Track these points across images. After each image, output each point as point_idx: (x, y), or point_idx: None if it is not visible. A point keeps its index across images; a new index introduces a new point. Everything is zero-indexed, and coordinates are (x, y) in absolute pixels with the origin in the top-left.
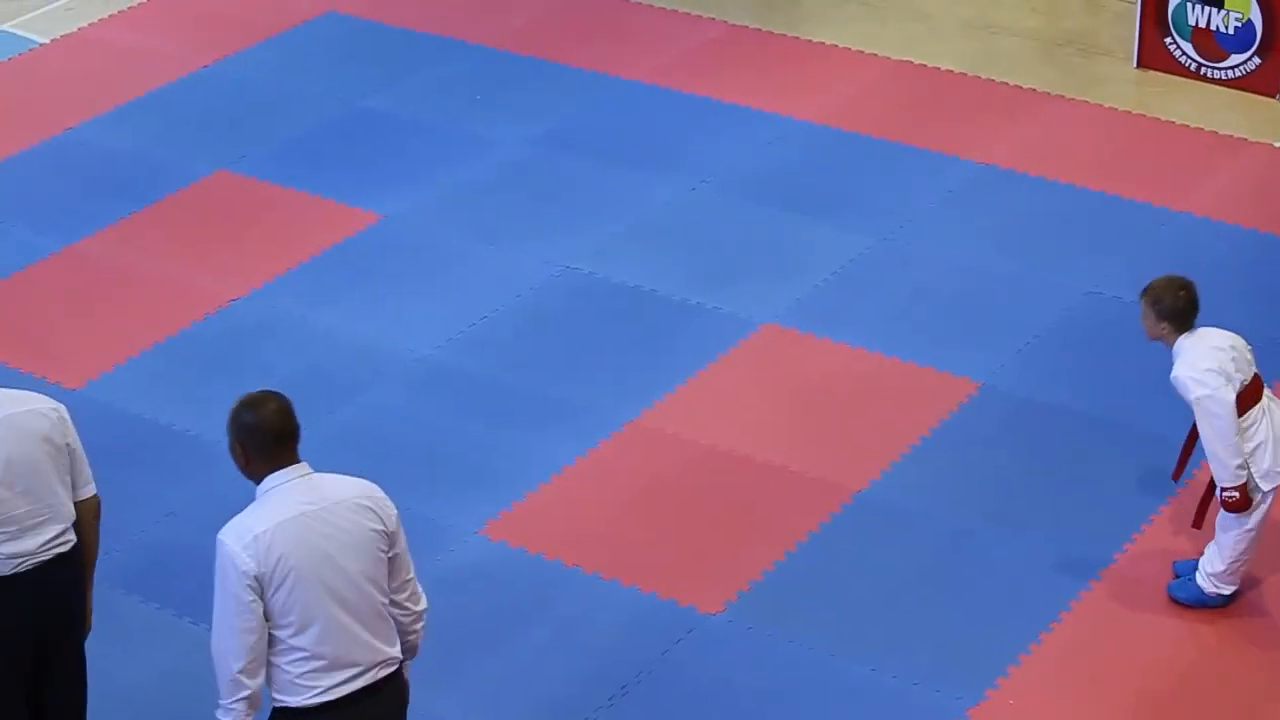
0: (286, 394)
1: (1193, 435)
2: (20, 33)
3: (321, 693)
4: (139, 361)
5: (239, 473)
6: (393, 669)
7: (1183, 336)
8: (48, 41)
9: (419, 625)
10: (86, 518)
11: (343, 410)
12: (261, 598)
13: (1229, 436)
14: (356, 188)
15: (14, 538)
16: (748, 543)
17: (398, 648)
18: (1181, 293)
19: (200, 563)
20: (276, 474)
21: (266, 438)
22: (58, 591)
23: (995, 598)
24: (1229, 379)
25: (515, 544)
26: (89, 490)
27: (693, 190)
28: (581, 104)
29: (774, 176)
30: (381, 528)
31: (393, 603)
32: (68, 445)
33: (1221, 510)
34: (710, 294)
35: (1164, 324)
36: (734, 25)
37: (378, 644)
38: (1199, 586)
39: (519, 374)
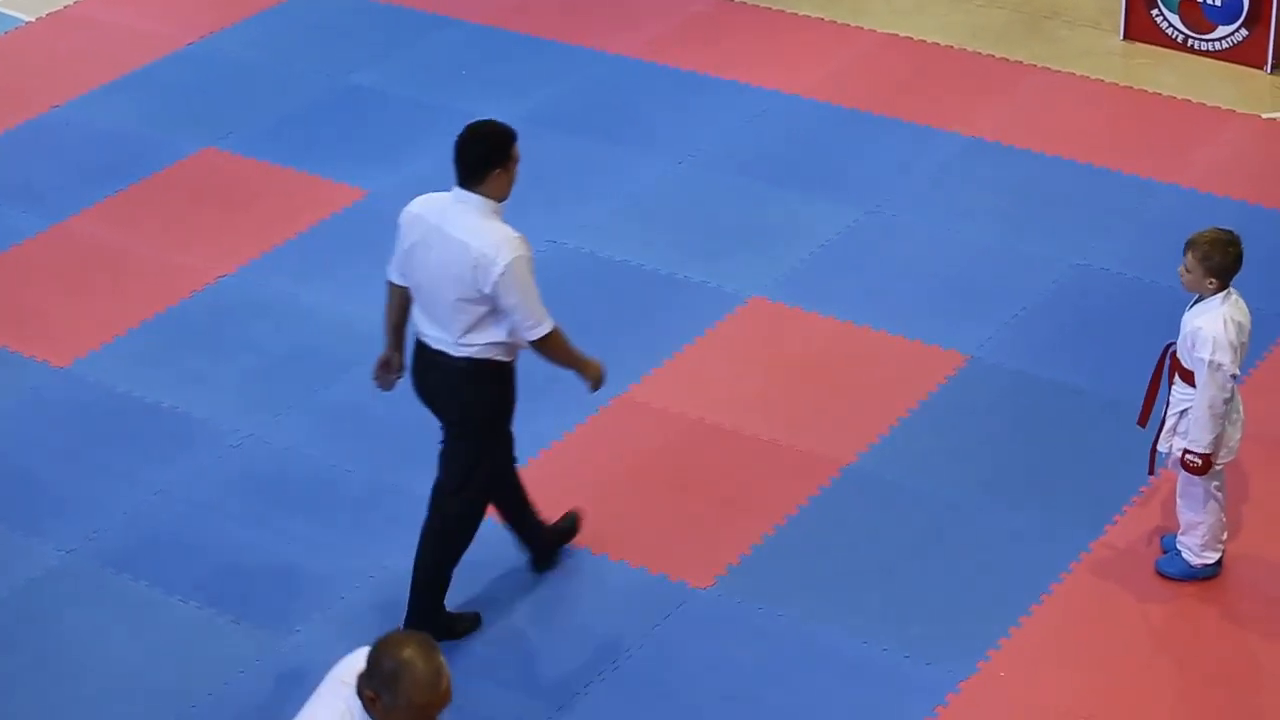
0: (276, 370)
1: (1155, 379)
2: (6, 11)
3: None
4: (126, 339)
5: (227, 448)
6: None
7: (1221, 294)
8: (34, 19)
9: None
10: None
11: (332, 387)
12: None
13: (1221, 407)
14: (344, 164)
15: None
16: (737, 517)
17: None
18: (1232, 249)
19: (189, 540)
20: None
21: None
22: None
23: (985, 570)
24: (1236, 359)
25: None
26: None
27: (680, 164)
28: (569, 79)
29: (761, 150)
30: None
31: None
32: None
33: (1181, 475)
34: (698, 268)
35: (1212, 280)
36: None
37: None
38: (1185, 560)
39: None
